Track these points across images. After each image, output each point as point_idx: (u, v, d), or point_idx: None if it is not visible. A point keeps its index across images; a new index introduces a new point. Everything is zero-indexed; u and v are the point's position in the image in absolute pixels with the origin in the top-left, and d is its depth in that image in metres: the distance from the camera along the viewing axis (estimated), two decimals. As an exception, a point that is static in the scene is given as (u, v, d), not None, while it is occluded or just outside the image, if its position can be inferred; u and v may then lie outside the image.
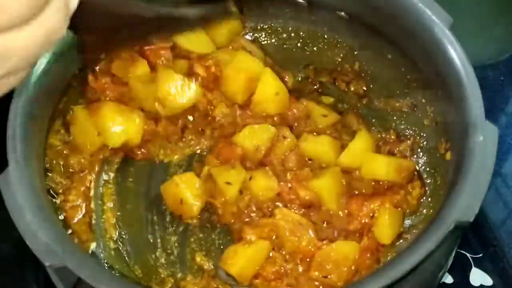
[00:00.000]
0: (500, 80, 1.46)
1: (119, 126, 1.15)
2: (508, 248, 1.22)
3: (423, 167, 1.18)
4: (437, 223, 0.87)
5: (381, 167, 1.14)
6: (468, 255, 1.19)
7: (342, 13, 1.18)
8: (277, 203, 1.14)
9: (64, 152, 1.16)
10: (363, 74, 1.26)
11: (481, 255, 1.20)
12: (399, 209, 1.12)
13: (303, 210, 1.13)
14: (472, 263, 1.19)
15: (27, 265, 1.19)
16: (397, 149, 1.19)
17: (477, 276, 1.18)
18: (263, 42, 1.31)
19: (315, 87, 1.29)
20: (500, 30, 1.53)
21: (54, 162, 1.14)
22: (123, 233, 1.18)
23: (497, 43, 1.53)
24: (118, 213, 1.20)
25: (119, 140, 1.16)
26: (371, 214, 1.11)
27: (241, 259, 1.08)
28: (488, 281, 1.17)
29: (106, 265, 1.10)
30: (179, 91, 1.15)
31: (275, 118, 1.20)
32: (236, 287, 1.10)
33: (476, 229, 1.22)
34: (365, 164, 1.15)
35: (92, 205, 1.18)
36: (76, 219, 1.12)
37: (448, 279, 1.17)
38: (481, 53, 1.49)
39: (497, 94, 1.44)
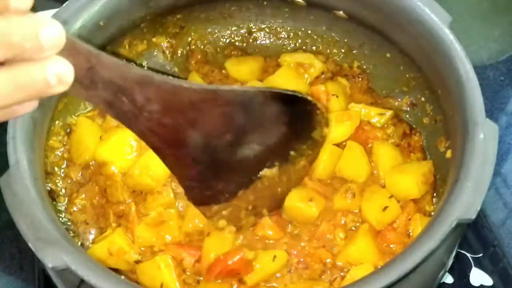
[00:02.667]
0: (500, 80, 1.47)
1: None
2: (508, 248, 1.22)
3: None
4: (438, 221, 0.87)
5: (411, 187, 1.09)
6: (468, 255, 1.19)
7: (341, 12, 1.18)
8: None
9: (65, 155, 1.16)
10: (362, 73, 1.26)
11: (481, 255, 1.20)
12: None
13: None
14: (472, 263, 1.18)
15: (27, 265, 1.19)
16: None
17: (477, 276, 1.17)
18: (261, 42, 1.32)
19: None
20: (500, 30, 1.54)
21: (56, 166, 1.15)
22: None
23: (497, 43, 1.53)
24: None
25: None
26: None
27: None
28: (488, 281, 1.17)
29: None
30: None
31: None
32: None
33: (476, 229, 1.22)
34: (391, 187, 1.11)
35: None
36: (80, 221, 1.12)
37: (448, 279, 1.16)
38: (481, 53, 1.49)
39: (497, 94, 1.44)
